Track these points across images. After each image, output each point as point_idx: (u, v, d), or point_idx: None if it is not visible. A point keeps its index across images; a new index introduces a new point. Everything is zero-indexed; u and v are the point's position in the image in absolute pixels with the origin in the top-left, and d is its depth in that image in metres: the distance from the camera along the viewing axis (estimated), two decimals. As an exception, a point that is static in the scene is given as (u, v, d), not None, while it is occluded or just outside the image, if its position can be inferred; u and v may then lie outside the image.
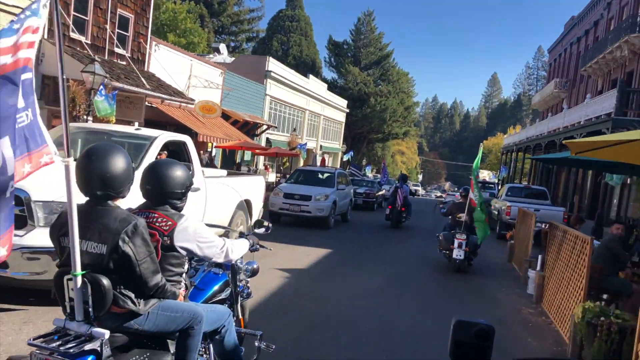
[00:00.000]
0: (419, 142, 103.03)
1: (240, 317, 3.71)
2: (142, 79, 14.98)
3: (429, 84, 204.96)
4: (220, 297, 3.35)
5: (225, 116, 23.55)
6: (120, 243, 2.37)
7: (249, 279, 3.77)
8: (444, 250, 9.83)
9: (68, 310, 2.45)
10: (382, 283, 8.37)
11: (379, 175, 48.29)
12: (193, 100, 18.22)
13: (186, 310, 2.69)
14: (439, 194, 58.06)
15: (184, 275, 2.88)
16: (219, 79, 22.53)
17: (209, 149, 22.35)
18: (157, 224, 2.70)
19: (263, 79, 28.72)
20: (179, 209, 2.85)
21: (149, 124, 14.22)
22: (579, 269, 6.05)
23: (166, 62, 18.37)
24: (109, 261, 2.40)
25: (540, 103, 40.33)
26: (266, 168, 29.67)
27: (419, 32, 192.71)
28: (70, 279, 2.38)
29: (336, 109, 45.88)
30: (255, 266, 3.77)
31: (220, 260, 2.95)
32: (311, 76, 37.81)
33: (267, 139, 30.01)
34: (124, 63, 16.12)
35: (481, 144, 14.19)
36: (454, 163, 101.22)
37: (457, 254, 9.23)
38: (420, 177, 62.66)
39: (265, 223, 3.91)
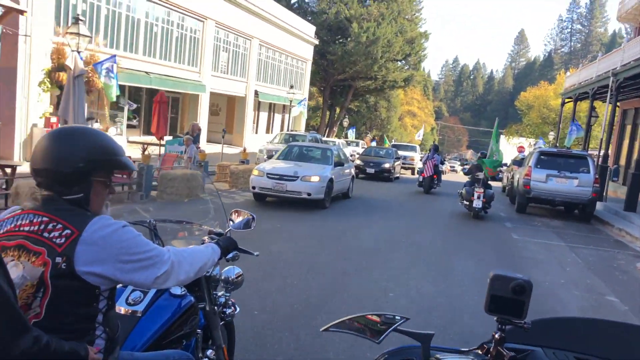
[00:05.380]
0: (437, 107, 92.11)
1: (223, 345, 2.50)
2: None
3: (450, 44, 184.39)
4: (183, 332, 2.15)
5: None
6: None
7: (229, 294, 2.60)
8: (465, 201, 12.33)
9: None
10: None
11: (371, 145, 32.28)
12: None
13: None
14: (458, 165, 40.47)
15: (99, 316, 1.60)
16: None
17: None
18: (47, 235, 1.52)
19: None
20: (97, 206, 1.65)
21: None
22: None
23: None
24: None
25: (637, 9, 22.84)
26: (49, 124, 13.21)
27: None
28: None
29: (293, 36, 28.95)
30: (234, 276, 2.58)
31: (164, 286, 1.71)
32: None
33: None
34: None
35: (497, 119, 13.34)
36: (476, 129, 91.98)
37: (476, 203, 11.75)
38: (419, 136, 45.32)
39: (245, 214, 2.54)
